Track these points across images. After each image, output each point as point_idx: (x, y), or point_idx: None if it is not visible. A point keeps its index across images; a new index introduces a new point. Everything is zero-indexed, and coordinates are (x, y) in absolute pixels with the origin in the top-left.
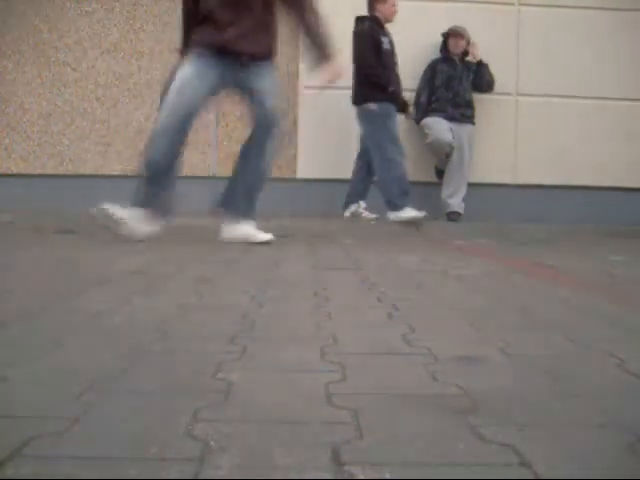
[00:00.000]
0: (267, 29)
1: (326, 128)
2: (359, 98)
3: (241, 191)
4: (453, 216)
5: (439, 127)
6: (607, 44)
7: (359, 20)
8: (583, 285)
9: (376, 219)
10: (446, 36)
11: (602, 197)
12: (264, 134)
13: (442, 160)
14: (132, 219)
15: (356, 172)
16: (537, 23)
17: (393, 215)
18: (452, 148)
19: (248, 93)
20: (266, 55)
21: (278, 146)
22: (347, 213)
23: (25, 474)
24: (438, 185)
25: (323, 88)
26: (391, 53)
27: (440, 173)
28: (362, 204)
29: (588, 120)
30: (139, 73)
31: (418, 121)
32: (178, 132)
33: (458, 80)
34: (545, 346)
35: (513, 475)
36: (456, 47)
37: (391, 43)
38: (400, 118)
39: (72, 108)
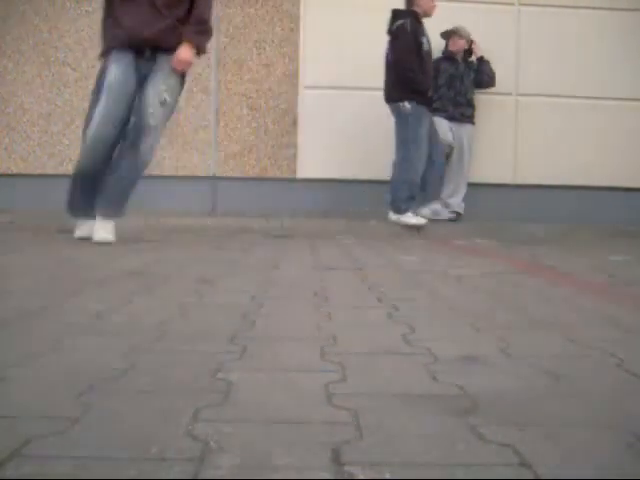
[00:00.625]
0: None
1: (326, 128)
2: (393, 96)
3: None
4: (453, 216)
5: (439, 127)
6: (607, 44)
7: (397, 14)
8: (583, 285)
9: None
10: (446, 36)
11: (602, 197)
12: (137, 132)
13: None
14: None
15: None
16: (537, 23)
17: (395, 217)
18: (452, 148)
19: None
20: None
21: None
22: (427, 211)
23: (25, 474)
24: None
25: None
26: (429, 54)
27: None
28: (438, 204)
29: (588, 120)
30: None
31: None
32: (114, 139)
33: (460, 79)
34: (545, 346)
35: (513, 475)
36: (455, 46)
37: (429, 43)
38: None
39: (72, 108)
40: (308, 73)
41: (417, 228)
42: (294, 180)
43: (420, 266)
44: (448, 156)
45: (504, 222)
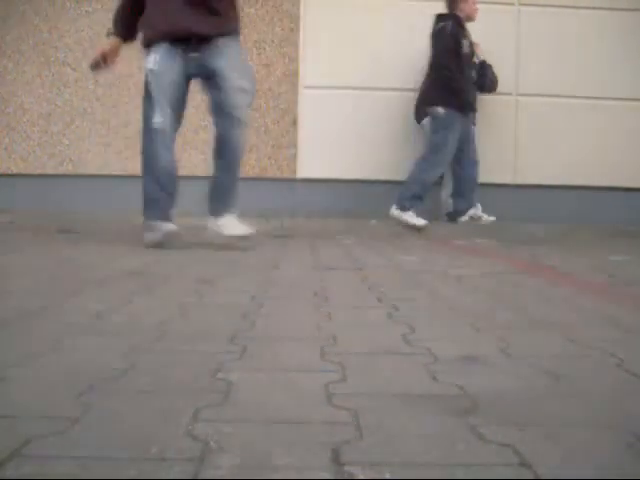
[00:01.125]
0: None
1: (326, 128)
2: (429, 100)
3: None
4: (453, 216)
5: None
6: (607, 44)
7: (439, 18)
8: (583, 285)
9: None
10: None
11: (602, 197)
12: (225, 123)
13: None
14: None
15: (454, 177)
16: (537, 23)
17: (396, 212)
18: None
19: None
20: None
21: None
22: (465, 217)
23: (25, 474)
24: (438, 185)
25: None
26: (469, 57)
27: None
28: (479, 206)
29: (588, 120)
30: (139, 73)
31: (419, 120)
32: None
33: None
34: (545, 346)
35: (513, 475)
36: None
37: (470, 46)
38: (403, 114)
39: (72, 108)
40: (308, 73)
41: (417, 229)
42: (294, 180)
43: (420, 266)
44: None
45: (504, 222)
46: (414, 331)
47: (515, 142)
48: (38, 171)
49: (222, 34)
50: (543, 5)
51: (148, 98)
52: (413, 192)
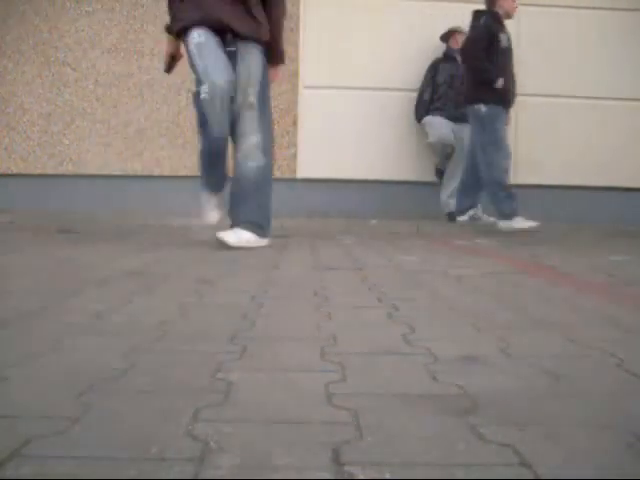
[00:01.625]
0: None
1: (326, 128)
2: (470, 98)
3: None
4: (453, 216)
5: (440, 127)
6: (607, 44)
7: (477, 14)
8: (583, 285)
9: (494, 222)
10: (446, 37)
11: (602, 197)
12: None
13: (443, 160)
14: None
15: (466, 173)
16: (537, 23)
17: (505, 225)
18: (453, 149)
19: None
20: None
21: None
22: (464, 217)
23: (25, 474)
24: (438, 185)
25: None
26: (509, 51)
27: (440, 173)
28: (479, 207)
29: (588, 120)
30: (139, 73)
31: (419, 119)
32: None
33: (460, 79)
34: (545, 346)
35: (513, 475)
36: (459, 44)
37: (509, 40)
38: (402, 114)
39: (72, 108)
40: (308, 73)
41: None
42: (294, 180)
43: (420, 266)
44: (449, 156)
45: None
46: (414, 331)
47: (515, 142)
48: (38, 171)
49: (256, 38)
50: (543, 5)
51: (196, 74)
52: (500, 197)
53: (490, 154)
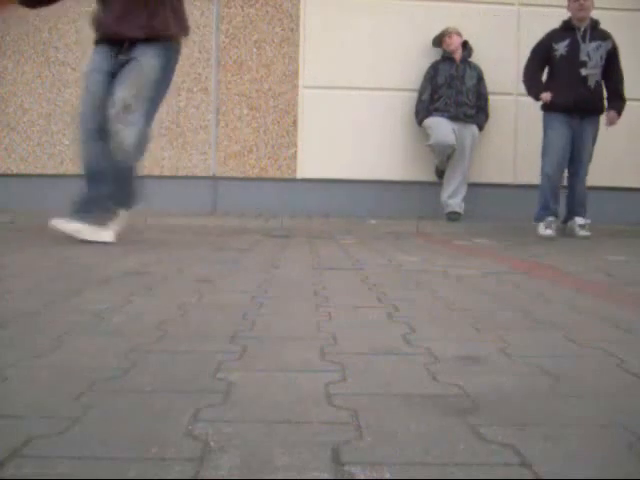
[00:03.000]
0: (144, 8)
1: (326, 128)
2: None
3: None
4: (453, 216)
5: (441, 128)
6: None
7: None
8: (583, 285)
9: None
10: (438, 41)
11: (602, 197)
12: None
13: (443, 160)
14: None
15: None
16: (537, 23)
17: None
18: (453, 150)
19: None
20: (145, 36)
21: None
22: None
23: (25, 474)
24: (438, 185)
25: None
26: (568, 58)
27: (440, 173)
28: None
29: None
30: None
31: (420, 121)
32: (94, 130)
33: (460, 79)
34: (545, 346)
35: (513, 475)
36: (452, 44)
37: (571, 45)
38: (403, 114)
39: (72, 108)
40: (308, 73)
41: (416, 226)
42: (294, 180)
43: (420, 266)
44: (449, 157)
45: (504, 222)
46: (414, 331)
47: (515, 142)
48: (38, 171)
49: (152, 37)
50: (543, 5)
51: None
52: (539, 204)
53: (542, 161)
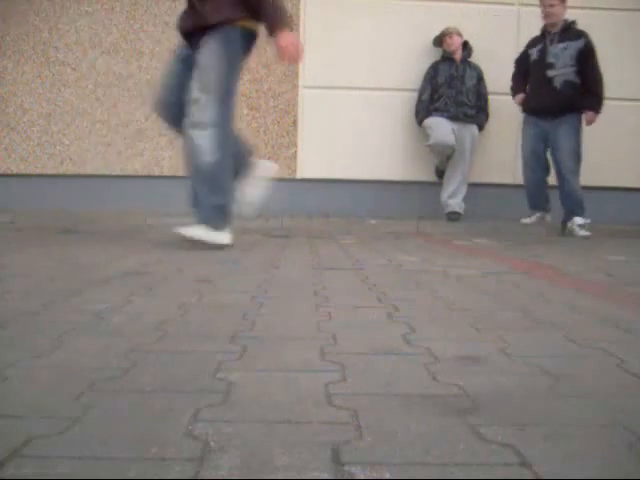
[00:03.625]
0: None
1: (326, 128)
2: None
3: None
4: (453, 216)
5: (441, 129)
6: (607, 44)
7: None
8: (583, 285)
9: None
10: (438, 41)
11: (602, 197)
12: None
13: (443, 161)
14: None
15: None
16: (537, 23)
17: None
18: (453, 150)
19: None
20: (212, 23)
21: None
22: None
23: (25, 474)
24: (438, 185)
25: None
26: (538, 62)
27: (440, 173)
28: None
29: None
30: (139, 73)
31: (420, 121)
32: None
33: (460, 79)
34: (545, 346)
35: (513, 475)
36: (453, 45)
37: (541, 49)
38: (402, 114)
39: (72, 108)
40: (308, 73)
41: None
42: (294, 180)
43: (420, 266)
44: (449, 157)
45: (504, 222)
46: (414, 331)
47: (515, 142)
48: (38, 171)
49: (212, 25)
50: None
51: None
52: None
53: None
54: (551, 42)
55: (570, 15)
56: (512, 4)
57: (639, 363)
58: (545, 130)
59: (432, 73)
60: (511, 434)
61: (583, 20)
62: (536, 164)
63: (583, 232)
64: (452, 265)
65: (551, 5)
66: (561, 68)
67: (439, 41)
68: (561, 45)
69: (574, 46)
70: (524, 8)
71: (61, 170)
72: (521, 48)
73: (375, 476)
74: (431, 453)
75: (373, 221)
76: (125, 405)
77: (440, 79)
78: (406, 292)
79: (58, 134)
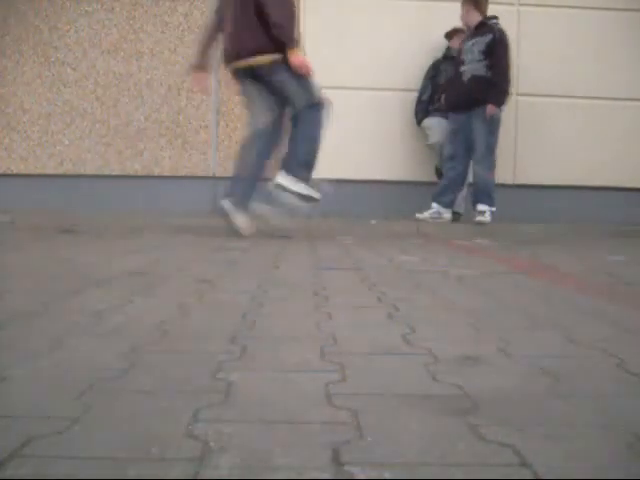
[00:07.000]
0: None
1: (326, 128)
2: None
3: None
4: (453, 216)
5: (440, 129)
6: (607, 44)
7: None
8: (583, 285)
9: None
10: (449, 36)
11: (602, 197)
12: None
13: (443, 160)
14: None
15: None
16: (537, 23)
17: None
18: None
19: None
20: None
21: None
22: (425, 215)
23: (25, 474)
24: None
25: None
26: (456, 60)
27: (440, 173)
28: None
29: (588, 120)
30: (139, 73)
31: (419, 122)
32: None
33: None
34: (545, 346)
35: (513, 475)
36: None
37: (460, 50)
38: (402, 114)
39: (72, 108)
40: None
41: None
42: None
43: (420, 266)
44: None
45: (504, 222)
46: (414, 331)
47: (515, 142)
48: (38, 171)
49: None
50: (543, 5)
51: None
52: None
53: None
54: (466, 40)
55: (570, 15)
56: (512, 4)
57: (639, 363)
58: (462, 125)
59: (433, 73)
60: (511, 434)
61: (582, 19)
62: (456, 161)
63: (480, 217)
64: (452, 265)
65: (465, 12)
66: (469, 63)
67: (451, 35)
68: (471, 41)
69: (482, 41)
70: (524, 8)
71: (61, 170)
72: (521, 48)
73: (375, 476)
74: (431, 453)
75: (373, 221)
76: (125, 405)
77: (441, 79)
78: (406, 292)
79: (58, 134)
